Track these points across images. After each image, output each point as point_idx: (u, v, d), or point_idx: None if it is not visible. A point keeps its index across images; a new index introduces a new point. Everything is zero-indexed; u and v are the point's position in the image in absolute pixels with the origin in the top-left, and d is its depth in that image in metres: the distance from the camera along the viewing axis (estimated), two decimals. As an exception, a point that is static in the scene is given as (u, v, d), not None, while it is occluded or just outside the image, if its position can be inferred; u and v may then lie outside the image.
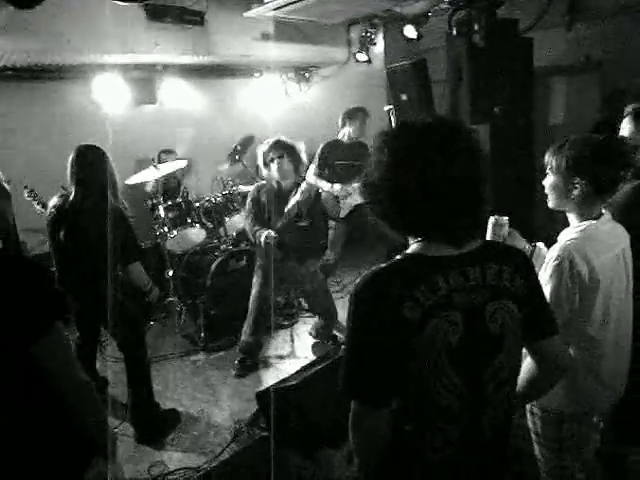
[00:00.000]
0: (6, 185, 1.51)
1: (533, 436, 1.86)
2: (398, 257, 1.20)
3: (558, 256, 1.63)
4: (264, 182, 3.62)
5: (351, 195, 4.46)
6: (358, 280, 1.17)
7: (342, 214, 4.47)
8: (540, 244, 1.97)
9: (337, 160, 4.48)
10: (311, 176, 4.53)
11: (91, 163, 2.82)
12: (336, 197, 4.44)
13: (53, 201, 2.94)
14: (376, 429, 1.16)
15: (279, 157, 3.43)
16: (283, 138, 3.52)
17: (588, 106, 4.58)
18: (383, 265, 1.16)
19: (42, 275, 1.34)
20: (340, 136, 4.58)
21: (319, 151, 4.53)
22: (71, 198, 2.83)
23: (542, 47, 4.46)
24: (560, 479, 1.84)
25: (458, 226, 1.15)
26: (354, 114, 4.49)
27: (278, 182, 3.55)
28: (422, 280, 1.11)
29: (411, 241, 1.23)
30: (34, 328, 1.26)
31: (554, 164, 1.71)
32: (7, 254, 1.33)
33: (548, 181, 1.77)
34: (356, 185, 4.46)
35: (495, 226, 1.93)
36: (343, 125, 4.55)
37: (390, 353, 1.10)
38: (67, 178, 2.86)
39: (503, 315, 1.17)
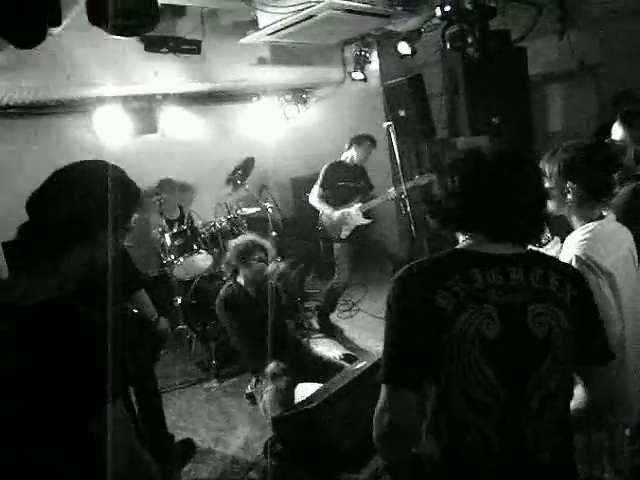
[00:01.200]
0: None
1: None
2: (442, 251, 1.25)
3: (577, 256, 1.62)
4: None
5: (352, 217, 4.48)
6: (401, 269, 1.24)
7: (343, 235, 4.49)
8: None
9: (339, 181, 4.53)
10: (314, 198, 4.56)
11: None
12: (337, 219, 4.47)
13: None
14: (403, 409, 1.16)
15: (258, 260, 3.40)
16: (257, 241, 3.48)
17: (585, 111, 4.60)
18: (427, 257, 1.24)
19: (104, 336, 1.17)
20: (343, 157, 4.63)
21: (322, 172, 4.58)
22: None
23: (536, 56, 4.50)
24: None
25: (507, 228, 1.22)
26: (362, 141, 4.56)
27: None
28: (458, 271, 1.16)
29: (459, 237, 1.31)
30: (96, 402, 1.11)
31: (547, 171, 1.75)
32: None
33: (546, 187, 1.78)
34: (357, 206, 4.49)
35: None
36: (349, 147, 4.61)
37: (422, 339, 1.14)
38: None
39: (549, 321, 1.15)
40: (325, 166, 4.59)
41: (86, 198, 1.21)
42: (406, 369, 1.17)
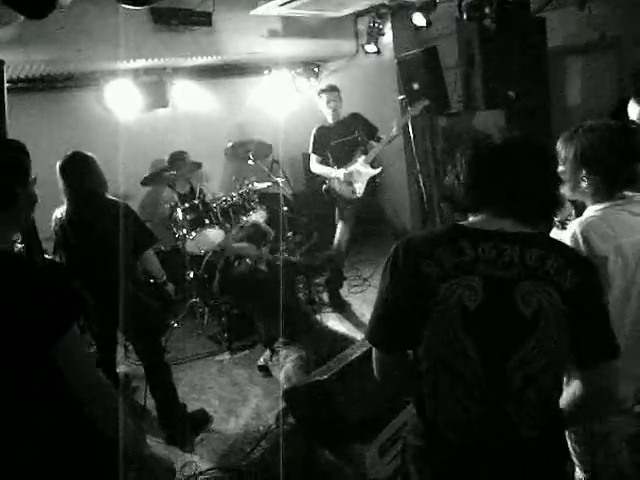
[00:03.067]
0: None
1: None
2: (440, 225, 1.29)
3: (573, 233, 1.54)
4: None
5: (360, 171, 4.35)
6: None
7: (359, 193, 4.35)
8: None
9: (332, 140, 4.39)
10: (314, 165, 4.49)
11: (80, 168, 2.84)
12: (348, 182, 4.35)
13: (58, 212, 2.97)
14: (390, 372, 1.30)
15: None
16: None
17: (606, 85, 4.47)
18: (422, 230, 1.28)
19: (60, 275, 1.33)
20: (325, 119, 4.49)
21: (311, 138, 4.46)
22: (69, 205, 2.87)
23: (555, 27, 4.36)
24: (592, 468, 1.79)
25: (509, 207, 1.22)
26: (320, 93, 4.41)
27: None
28: (447, 242, 1.18)
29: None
30: (54, 328, 1.24)
31: (562, 155, 1.62)
32: (28, 256, 1.33)
33: (560, 170, 1.64)
34: (361, 159, 4.36)
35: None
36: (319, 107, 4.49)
37: (405, 306, 1.19)
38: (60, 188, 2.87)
39: (540, 299, 1.12)
40: (312, 131, 4.47)
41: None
42: (385, 333, 1.25)
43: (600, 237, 1.52)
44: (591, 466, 1.76)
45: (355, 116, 4.51)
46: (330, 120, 4.45)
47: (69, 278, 1.35)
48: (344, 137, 4.41)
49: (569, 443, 1.79)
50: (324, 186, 4.54)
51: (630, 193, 1.65)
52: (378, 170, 4.42)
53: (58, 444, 1.30)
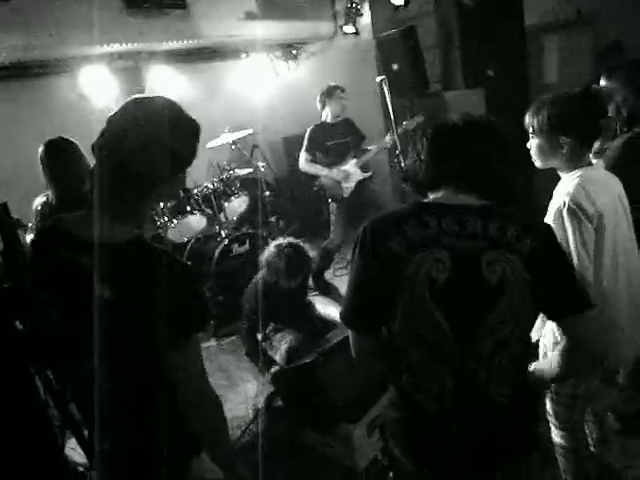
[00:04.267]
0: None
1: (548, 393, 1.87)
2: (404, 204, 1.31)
3: (564, 202, 1.61)
4: None
5: (350, 173, 4.42)
6: None
7: (346, 193, 4.43)
8: None
9: (327, 141, 4.42)
10: (304, 163, 4.48)
11: (63, 155, 2.71)
12: (337, 181, 4.41)
13: (39, 200, 2.83)
14: (366, 351, 1.33)
15: None
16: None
17: (583, 62, 4.51)
18: (388, 210, 1.30)
19: (195, 279, 1.31)
20: (323, 118, 4.50)
21: (306, 136, 4.45)
22: (54, 194, 2.74)
23: (532, 5, 4.37)
24: (571, 432, 1.85)
25: (468, 182, 1.26)
26: (331, 93, 4.40)
27: None
28: (412, 217, 1.21)
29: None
30: (182, 333, 1.21)
31: (536, 126, 1.71)
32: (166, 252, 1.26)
33: (533, 143, 1.76)
34: (353, 161, 4.43)
35: None
36: (323, 107, 4.47)
37: (377, 285, 1.21)
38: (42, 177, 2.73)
39: (503, 267, 1.16)
40: (308, 130, 4.47)
41: (163, 141, 1.20)
42: (358, 314, 1.28)
43: (588, 200, 1.61)
44: (570, 424, 1.83)
45: (349, 122, 4.56)
46: (329, 119, 4.45)
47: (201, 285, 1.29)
48: (338, 139, 4.44)
49: (549, 405, 1.85)
50: (315, 187, 4.56)
51: (594, 160, 1.80)
52: (369, 174, 4.48)
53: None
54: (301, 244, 3.21)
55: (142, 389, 1.25)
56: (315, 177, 4.53)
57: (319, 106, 4.49)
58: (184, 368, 1.23)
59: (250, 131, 4.89)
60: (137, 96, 1.25)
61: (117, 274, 1.17)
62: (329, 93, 4.41)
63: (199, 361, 1.30)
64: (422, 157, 1.30)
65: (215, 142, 4.68)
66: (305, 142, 4.46)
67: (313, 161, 4.47)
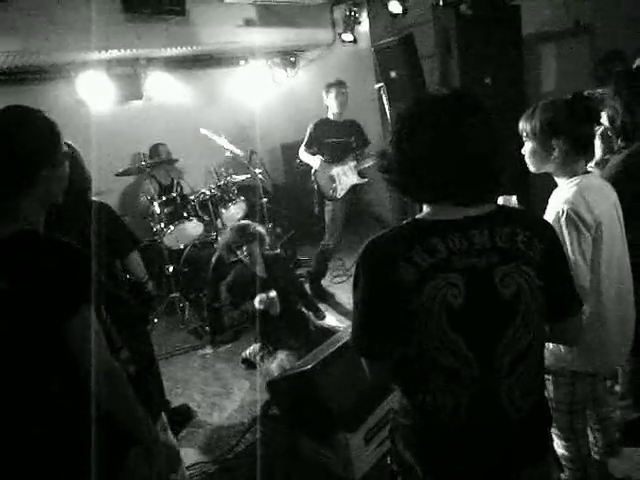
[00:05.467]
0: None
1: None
2: (401, 223, 1.22)
3: (563, 210, 1.61)
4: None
5: (347, 175, 4.41)
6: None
7: (339, 194, 4.41)
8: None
9: (327, 138, 4.39)
10: (304, 154, 4.47)
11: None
12: (331, 176, 4.38)
13: None
14: (381, 376, 1.30)
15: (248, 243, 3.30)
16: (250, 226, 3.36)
17: (580, 72, 4.52)
18: (384, 231, 1.20)
19: (77, 256, 1.32)
20: (328, 113, 4.48)
21: (308, 130, 4.45)
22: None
23: (530, 14, 4.39)
24: (574, 441, 1.84)
25: (465, 193, 1.16)
26: (328, 88, 4.40)
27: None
28: (418, 242, 1.12)
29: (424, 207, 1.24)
30: (66, 306, 1.24)
31: (529, 130, 1.73)
32: (48, 233, 1.33)
33: (527, 147, 1.78)
34: (352, 164, 4.41)
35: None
36: (326, 102, 4.47)
37: (390, 314, 1.13)
38: None
39: (518, 280, 1.12)
40: (310, 124, 4.46)
41: (29, 136, 1.33)
42: (371, 342, 1.21)
43: (586, 208, 1.61)
44: (572, 433, 1.83)
45: (354, 123, 4.53)
46: (332, 115, 4.43)
47: (87, 262, 1.33)
48: (340, 138, 4.42)
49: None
50: (311, 183, 4.54)
51: (591, 169, 1.81)
52: (364, 180, 4.47)
53: (67, 423, 1.30)
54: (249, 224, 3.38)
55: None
56: (311, 174, 4.50)
57: (324, 104, 4.49)
58: (81, 340, 1.27)
59: (240, 152, 4.83)
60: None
61: (5, 266, 1.22)
62: (327, 88, 4.41)
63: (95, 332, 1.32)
64: (401, 158, 1.17)
65: (211, 135, 4.66)
66: (306, 137, 4.46)
67: (312, 154, 4.45)
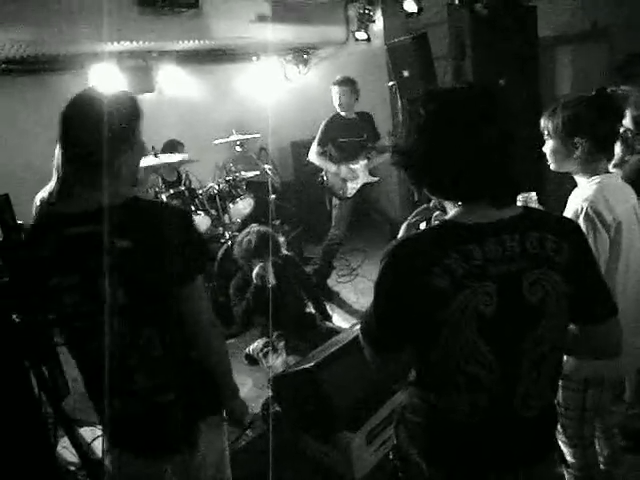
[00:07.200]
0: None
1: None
2: (434, 224, 1.19)
3: (582, 208, 1.59)
4: None
5: (358, 174, 4.38)
6: (391, 243, 1.16)
7: (350, 193, 4.39)
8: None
9: (339, 137, 4.36)
10: (314, 155, 4.44)
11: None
12: (342, 178, 4.37)
13: (42, 194, 2.73)
14: (386, 369, 1.26)
15: None
16: None
17: (596, 75, 4.46)
18: (419, 231, 1.18)
19: (191, 221, 1.47)
20: (337, 109, 4.44)
21: (321, 128, 4.41)
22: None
23: (546, 16, 4.34)
24: (581, 449, 1.80)
25: (503, 191, 1.13)
26: (333, 85, 4.35)
27: None
28: (454, 248, 1.08)
29: (448, 206, 1.20)
30: (184, 274, 1.39)
31: (551, 128, 1.71)
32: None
33: (548, 146, 1.76)
34: (364, 162, 4.39)
35: (524, 203, 1.89)
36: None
37: (412, 316, 1.10)
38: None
39: (544, 286, 1.10)
40: (323, 122, 4.41)
41: (121, 103, 1.45)
42: (384, 338, 1.18)
43: (607, 208, 1.59)
44: (580, 441, 1.80)
45: (366, 116, 4.48)
46: (342, 113, 4.38)
47: (196, 226, 1.50)
48: (353, 137, 4.38)
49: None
50: (319, 178, 4.51)
51: (612, 169, 1.79)
52: (375, 179, 4.44)
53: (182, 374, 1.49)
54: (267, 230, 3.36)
55: (161, 332, 1.41)
56: (320, 170, 4.48)
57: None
58: (194, 301, 1.43)
59: (258, 135, 4.86)
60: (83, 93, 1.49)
61: (126, 227, 1.33)
62: (332, 86, 4.36)
63: (205, 295, 1.50)
64: (445, 169, 1.11)
65: (221, 140, 4.71)
66: (318, 134, 4.41)
67: (324, 154, 4.42)
